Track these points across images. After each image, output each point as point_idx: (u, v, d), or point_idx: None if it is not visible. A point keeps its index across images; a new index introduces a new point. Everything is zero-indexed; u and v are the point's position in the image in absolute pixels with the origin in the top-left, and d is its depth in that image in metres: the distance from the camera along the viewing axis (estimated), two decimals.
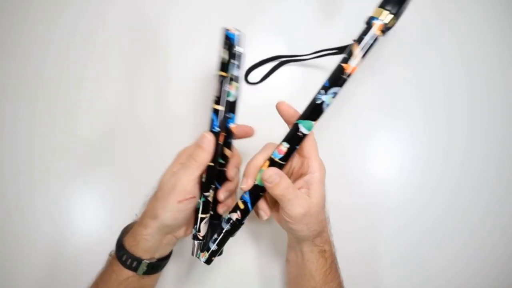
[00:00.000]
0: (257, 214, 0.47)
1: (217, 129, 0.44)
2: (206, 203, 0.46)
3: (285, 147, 0.43)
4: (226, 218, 0.46)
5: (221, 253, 0.48)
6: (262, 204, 0.47)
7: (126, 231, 0.47)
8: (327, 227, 0.48)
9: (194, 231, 0.47)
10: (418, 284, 0.59)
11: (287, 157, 0.43)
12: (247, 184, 0.45)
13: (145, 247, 0.45)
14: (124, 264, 0.45)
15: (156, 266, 0.46)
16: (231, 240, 0.47)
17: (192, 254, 0.47)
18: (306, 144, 0.45)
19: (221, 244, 0.46)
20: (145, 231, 0.44)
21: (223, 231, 0.46)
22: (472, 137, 0.65)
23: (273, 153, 0.44)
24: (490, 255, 0.61)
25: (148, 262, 0.45)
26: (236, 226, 0.46)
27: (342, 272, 0.50)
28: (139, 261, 0.45)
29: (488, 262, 0.61)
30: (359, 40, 0.39)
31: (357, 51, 0.39)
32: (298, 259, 0.49)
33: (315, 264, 0.47)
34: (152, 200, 0.45)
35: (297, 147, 0.43)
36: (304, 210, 0.43)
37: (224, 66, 0.43)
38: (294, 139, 0.43)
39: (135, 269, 0.45)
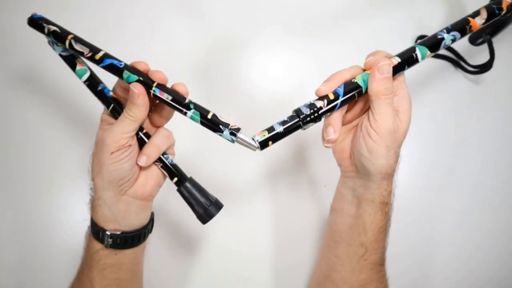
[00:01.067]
0: (324, 132, 0.42)
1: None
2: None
3: (396, 60, 0.41)
4: (309, 103, 0.41)
5: (277, 138, 0.40)
6: (335, 119, 0.41)
7: None
8: (395, 175, 0.44)
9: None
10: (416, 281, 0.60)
11: (397, 70, 0.41)
12: (326, 88, 0.40)
13: (102, 215, 0.42)
14: (92, 232, 0.43)
15: (124, 239, 0.42)
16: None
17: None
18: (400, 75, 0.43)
19: (288, 130, 0.40)
20: (95, 195, 0.42)
21: (300, 116, 0.40)
22: (476, 137, 0.66)
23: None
24: (490, 254, 0.61)
25: (111, 233, 0.42)
26: (315, 115, 0.40)
27: None
28: (103, 231, 0.42)
29: (488, 260, 0.61)
30: (487, 7, 0.43)
31: (484, 14, 0.43)
32: (352, 208, 0.45)
33: (372, 217, 0.43)
34: (91, 160, 0.42)
35: (406, 67, 0.42)
36: (394, 126, 0.40)
37: None
38: (407, 59, 0.42)
39: (101, 240, 0.42)
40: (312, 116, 0.40)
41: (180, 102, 0.40)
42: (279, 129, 0.39)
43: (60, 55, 0.43)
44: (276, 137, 0.39)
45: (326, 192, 0.61)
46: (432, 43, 0.42)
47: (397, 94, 0.42)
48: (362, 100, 0.44)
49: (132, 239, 0.43)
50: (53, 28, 0.42)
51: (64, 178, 0.61)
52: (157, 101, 0.42)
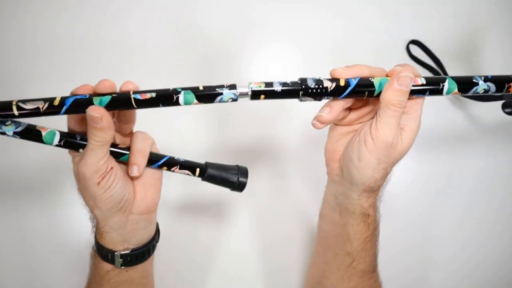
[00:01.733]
0: (319, 111, 0.39)
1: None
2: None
3: (421, 81, 0.39)
4: (317, 78, 0.38)
5: (271, 95, 0.37)
6: (336, 104, 0.39)
7: None
8: (381, 191, 0.42)
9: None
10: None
11: (415, 91, 0.39)
12: (342, 72, 0.38)
13: (110, 239, 0.41)
14: (100, 255, 0.41)
15: (135, 256, 0.42)
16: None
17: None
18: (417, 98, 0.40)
19: (285, 93, 0.37)
20: (99, 224, 0.40)
21: (303, 85, 0.37)
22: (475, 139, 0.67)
23: None
24: (489, 254, 0.62)
25: (121, 253, 0.41)
26: (317, 92, 0.37)
27: None
28: (112, 253, 0.41)
29: (488, 261, 0.62)
30: None
31: None
32: (336, 215, 0.43)
33: (355, 228, 0.42)
34: (81, 196, 0.40)
35: (428, 94, 0.39)
36: (393, 141, 0.38)
37: None
38: (433, 84, 0.39)
39: (112, 262, 0.41)
40: (315, 91, 0.37)
41: (167, 92, 0.36)
42: (277, 87, 0.37)
43: (16, 133, 0.37)
44: (271, 94, 0.37)
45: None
46: (464, 83, 0.40)
47: (409, 113, 0.40)
48: (372, 105, 0.41)
49: (143, 254, 0.43)
50: None
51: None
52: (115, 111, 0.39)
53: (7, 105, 0.35)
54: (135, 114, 0.40)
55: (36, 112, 0.36)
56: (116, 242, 0.41)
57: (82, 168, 0.37)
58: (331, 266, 0.45)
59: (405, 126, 0.39)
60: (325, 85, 0.37)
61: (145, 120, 0.42)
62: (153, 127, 0.42)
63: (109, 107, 0.36)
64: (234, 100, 0.36)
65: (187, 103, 0.36)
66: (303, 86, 0.37)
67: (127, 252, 0.41)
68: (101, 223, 0.40)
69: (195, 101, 0.36)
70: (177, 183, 0.59)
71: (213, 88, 0.36)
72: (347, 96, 0.38)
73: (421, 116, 0.40)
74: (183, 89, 0.36)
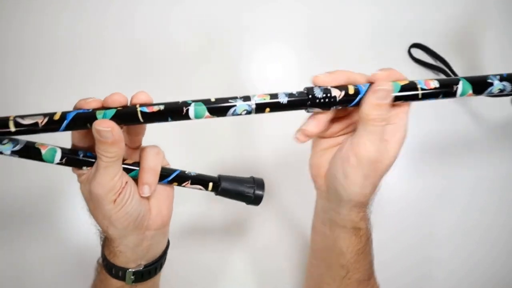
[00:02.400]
0: (305, 123, 0.38)
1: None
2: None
3: (434, 84, 0.36)
4: (323, 87, 0.35)
5: (276, 108, 0.35)
6: (324, 116, 0.37)
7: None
8: (370, 203, 0.41)
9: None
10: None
11: (428, 95, 0.36)
12: (326, 79, 0.35)
13: (124, 258, 0.39)
14: (109, 273, 0.39)
15: (148, 272, 0.40)
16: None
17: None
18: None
19: (291, 105, 0.35)
20: (113, 244, 0.38)
21: (309, 95, 0.35)
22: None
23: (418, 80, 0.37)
24: (488, 254, 0.62)
25: (134, 271, 0.39)
26: (326, 102, 0.35)
27: None
28: (124, 270, 0.39)
29: (487, 261, 0.62)
30: None
31: None
32: (327, 229, 0.42)
33: (347, 241, 0.40)
34: (93, 217, 0.38)
35: (440, 97, 0.37)
36: (375, 154, 0.35)
37: None
38: (446, 86, 0.37)
39: (122, 279, 0.39)
40: (323, 101, 0.35)
41: (176, 104, 0.34)
42: (283, 99, 0.35)
43: (14, 153, 0.34)
44: (276, 106, 0.35)
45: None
46: (479, 83, 0.38)
47: (393, 122, 0.37)
48: (355, 115, 0.39)
49: (155, 269, 0.41)
50: None
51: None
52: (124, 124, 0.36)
53: (3, 121, 0.33)
54: (145, 126, 0.38)
55: (34, 129, 0.33)
56: (129, 260, 0.39)
57: (95, 188, 0.34)
58: (326, 278, 0.44)
59: (390, 137, 0.37)
60: (333, 94, 0.35)
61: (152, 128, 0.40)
62: (160, 134, 0.41)
63: (116, 117, 0.33)
64: (249, 112, 0.34)
65: (197, 116, 0.34)
66: (310, 96, 0.35)
67: (139, 269, 0.39)
68: (115, 242, 0.38)
69: (207, 114, 0.34)
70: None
71: (226, 100, 0.34)
72: (357, 105, 0.36)
73: (407, 124, 0.38)
74: (193, 101, 0.34)
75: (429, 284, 0.60)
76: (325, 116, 0.37)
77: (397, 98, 0.36)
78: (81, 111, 0.33)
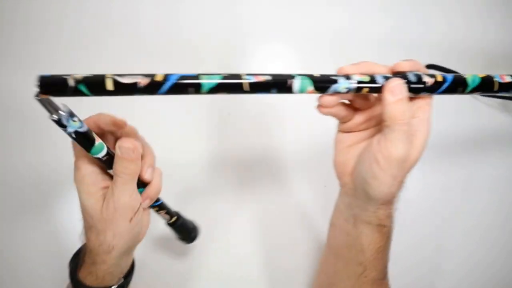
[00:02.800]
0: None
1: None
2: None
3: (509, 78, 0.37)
4: (416, 73, 0.36)
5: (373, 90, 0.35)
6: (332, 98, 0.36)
7: (78, 262, 0.39)
8: (396, 200, 0.40)
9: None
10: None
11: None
12: (350, 69, 0.35)
13: (111, 278, 0.39)
14: None
15: (125, 284, 0.41)
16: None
17: None
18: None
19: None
20: (104, 266, 0.38)
21: (406, 78, 0.35)
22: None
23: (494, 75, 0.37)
24: (489, 253, 0.63)
25: (116, 286, 0.40)
26: (416, 87, 0.36)
27: None
28: None
29: (487, 260, 0.63)
30: None
31: None
32: (349, 226, 0.42)
33: (369, 237, 0.40)
34: (93, 235, 0.37)
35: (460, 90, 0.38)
36: (405, 154, 0.35)
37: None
38: (457, 80, 0.37)
39: None
40: (415, 86, 0.36)
41: (281, 77, 0.33)
42: (380, 80, 0.35)
43: (75, 133, 0.32)
44: (374, 87, 0.35)
45: (327, 192, 0.61)
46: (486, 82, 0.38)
47: (417, 116, 0.37)
48: (378, 108, 0.39)
49: (130, 279, 0.43)
50: (79, 76, 0.30)
51: None
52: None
53: (99, 79, 0.30)
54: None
55: (132, 88, 0.30)
56: (115, 278, 0.40)
57: (117, 205, 0.35)
58: (342, 275, 0.44)
59: (415, 131, 0.37)
60: (424, 80, 0.36)
61: (140, 121, 0.39)
62: (150, 130, 0.40)
63: (215, 90, 0.32)
64: (348, 90, 0.34)
65: (302, 90, 0.33)
66: (406, 80, 0.36)
67: (120, 282, 0.40)
68: (106, 265, 0.37)
69: (310, 88, 0.33)
70: None
71: (328, 76, 0.34)
72: (443, 92, 0.37)
73: (431, 117, 0.38)
74: (299, 74, 0.33)
75: (439, 277, 0.61)
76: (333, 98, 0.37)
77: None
78: (185, 74, 0.31)
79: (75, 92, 0.29)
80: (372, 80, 0.35)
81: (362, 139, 0.41)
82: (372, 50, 0.67)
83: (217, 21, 0.68)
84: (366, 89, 0.35)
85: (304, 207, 0.61)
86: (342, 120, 0.40)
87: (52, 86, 0.29)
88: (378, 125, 0.39)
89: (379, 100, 0.37)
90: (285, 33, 0.69)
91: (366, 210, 0.39)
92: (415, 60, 0.37)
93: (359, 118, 0.40)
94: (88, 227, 0.37)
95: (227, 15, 0.68)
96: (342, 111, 0.39)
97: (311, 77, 0.34)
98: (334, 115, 0.39)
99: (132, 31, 0.65)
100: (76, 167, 0.36)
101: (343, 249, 0.43)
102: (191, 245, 0.52)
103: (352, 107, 0.39)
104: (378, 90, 0.35)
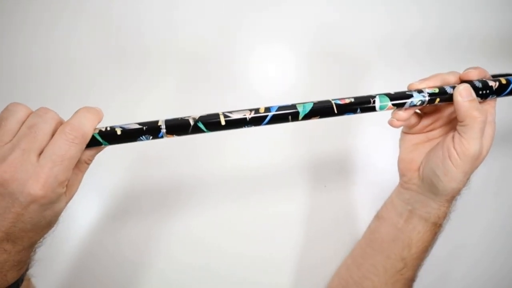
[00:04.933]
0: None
1: None
2: None
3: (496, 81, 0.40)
4: (480, 80, 0.40)
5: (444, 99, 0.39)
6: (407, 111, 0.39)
7: None
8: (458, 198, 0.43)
9: None
10: None
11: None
12: (421, 85, 0.39)
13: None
14: None
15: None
16: None
17: None
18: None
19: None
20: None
21: (473, 85, 0.39)
22: None
23: None
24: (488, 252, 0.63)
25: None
26: (483, 92, 0.39)
27: None
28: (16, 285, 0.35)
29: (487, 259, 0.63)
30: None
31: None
32: (401, 221, 0.44)
33: (420, 235, 0.42)
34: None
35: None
36: (478, 150, 0.38)
37: None
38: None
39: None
40: (481, 92, 0.39)
41: (363, 98, 0.38)
42: (449, 90, 0.39)
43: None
44: (445, 97, 0.39)
45: (326, 192, 0.61)
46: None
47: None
48: (442, 111, 0.42)
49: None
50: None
51: None
52: None
53: (214, 117, 0.35)
54: None
55: (242, 120, 0.35)
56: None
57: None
58: (379, 269, 0.45)
59: (484, 133, 0.39)
60: (490, 84, 0.40)
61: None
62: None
63: (312, 113, 0.36)
64: (423, 103, 0.38)
65: (382, 107, 0.38)
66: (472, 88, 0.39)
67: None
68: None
69: (389, 104, 0.38)
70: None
71: (404, 92, 0.38)
72: (509, 94, 0.41)
73: (495, 118, 0.41)
74: (377, 94, 0.38)
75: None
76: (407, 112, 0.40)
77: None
78: (283, 104, 0.36)
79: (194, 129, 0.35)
80: (442, 91, 0.39)
81: (428, 139, 0.44)
82: (371, 48, 0.66)
83: (216, 24, 0.66)
84: (438, 100, 0.39)
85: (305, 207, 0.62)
86: (411, 125, 0.43)
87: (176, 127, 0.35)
88: (444, 126, 0.43)
89: (444, 105, 0.41)
90: (286, 35, 0.67)
91: (428, 205, 0.42)
92: (481, 68, 0.41)
93: (426, 121, 0.43)
94: None
95: (225, 17, 0.66)
96: (413, 119, 0.43)
97: (388, 94, 0.38)
98: (406, 125, 0.43)
99: (131, 32, 0.64)
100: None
101: (388, 243, 0.44)
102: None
103: (419, 115, 0.43)
104: (450, 99, 0.39)
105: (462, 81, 0.40)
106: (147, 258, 0.57)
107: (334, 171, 0.53)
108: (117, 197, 0.57)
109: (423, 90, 0.39)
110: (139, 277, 0.56)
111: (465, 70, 0.40)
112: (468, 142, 0.38)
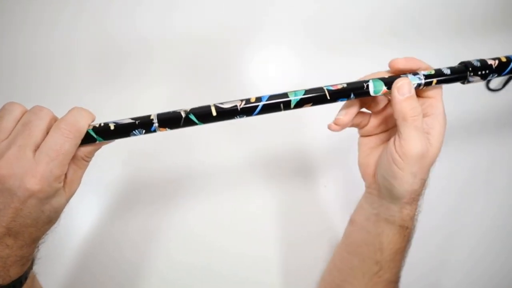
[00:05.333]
0: (337, 117, 0.40)
1: None
2: None
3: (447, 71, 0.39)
4: (478, 59, 0.39)
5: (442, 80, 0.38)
6: (352, 107, 0.39)
7: None
8: (420, 200, 0.41)
9: None
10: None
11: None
12: (402, 62, 0.38)
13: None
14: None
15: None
16: None
17: None
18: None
19: (453, 77, 0.38)
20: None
21: (469, 67, 0.38)
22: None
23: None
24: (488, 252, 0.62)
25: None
26: (483, 72, 0.38)
27: None
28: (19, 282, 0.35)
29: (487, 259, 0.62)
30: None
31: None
32: (370, 224, 0.43)
33: (389, 238, 0.41)
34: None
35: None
36: (422, 151, 0.36)
37: None
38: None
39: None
40: (480, 72, 0.38)
41: (356, 83, 0.37)
42: (446, 71, 0.38)
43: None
44: (442, 78, 0.38)
45: (326, 192, 0.61)
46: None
47: (429, 114, 0.39)
48: (391, 110, 0.40)
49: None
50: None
51: None
52: None
53: (205, 109, 0.35)
54: None
55: (233, 110, 0.36)
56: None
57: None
58: (356, 272, 0.44)
59: (430, 129, 0.38)
60: (489, 63, 0.39)
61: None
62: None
63: (303, 101, 0.36)
64: (419, 85, 0.37)
65: (376, 91, 0.37)
66: (470, 68, 0.39)
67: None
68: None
69: (384, 88, 0.37)
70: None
71: (398, 76, 0.38)
72: (509, 73, 0.39)
73: (444, 111, 0.39)
74: (372, 79, 0.37)
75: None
76: (353, 108, 0.40)
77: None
78: (274, 93, 0.36)
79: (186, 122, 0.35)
80: (439, 73, 0.38)
81: (382, 141, 0.43)
82: (354, 33, 0.66)
83: (215, 24, 0.67)
84: (435, 81, 0.38)
85: (304, 207, 0.61)
86: (360, 126, 0.43)
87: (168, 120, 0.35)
88: (394, 126, 0.40)
89: (390, 102, 0.40)
90: (284, 32, 0.67)
91: (390, 209, 0.40)
92: (413, 58, 0.39)
93: (374, 121, 0.42)
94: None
95: (224, 18, 0.67)
96: (358, 119, 0.42)
97: (382, 79, 0.37)
98: (357, 127, 0.43)
99: (130, 36, 0.65)
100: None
101: (361, 246, 0.44)
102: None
103: (367, 114, 0.42)
104: (448, 81, 0.38)
105: (460, 62, 0.39)
106: (145, 256, 0.58)
107: (334, 171, 0.52)
108: (114, 194, 0.58)
109: (418, 72, 0.38)
110: (136, 274, 0.57)
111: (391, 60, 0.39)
112: (406, 142, 0.36)
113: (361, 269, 0.43)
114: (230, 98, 0.36)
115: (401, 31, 0.66)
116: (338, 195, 0.61)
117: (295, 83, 0.61)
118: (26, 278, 0.36)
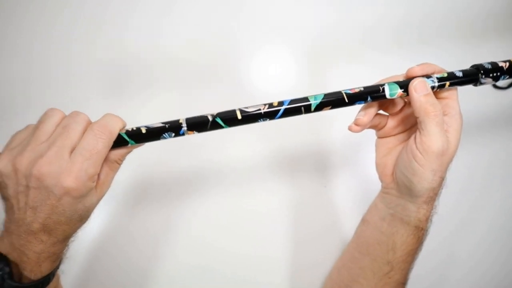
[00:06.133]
0: (356, 118, 0.41)
1: None
2: None
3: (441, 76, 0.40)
4: (490, 62, 0.40)
5: (454, 82, 0.39)
6: (371, 108, 0.41)
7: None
8: (436, 201, 0.42)
9: None
10: None
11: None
12: (416, 70, 0.39)
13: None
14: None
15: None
16: None
17: None
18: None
19: (465, 80, 0.40)
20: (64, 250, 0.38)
21: (481, 70, 0.40)
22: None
23: None
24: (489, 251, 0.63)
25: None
26: (494, 75, 0.40)
27: None
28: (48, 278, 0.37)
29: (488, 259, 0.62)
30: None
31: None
32: (384, 224, 0.43)
33: (403, 238, 0.42)
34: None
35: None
36: (443, 147, 0.37)
37: None
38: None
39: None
40: (491, 74, 0.40)
41: (373, 86, 0.39)
42: (459, 74, 0.40)
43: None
44: (455, 80, 0.39)
45: (326, 192, 0.62)
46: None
47: (447, 113, 0.40)
48: (408, 111, 0.43)
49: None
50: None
51: None
52: None
53: (230, 113, 0.37)
54: None
55: (257, 114, 0.37)
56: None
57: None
58: (367, 272, 0.45)
59: (448, 127, 0.39)
60: (500, 65, 0.41)
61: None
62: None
63: (323, 104, 0.38)
64: (433, 88, 0.39)
65: (392, 94, 0.39)
66: (482, 71, 0.40)
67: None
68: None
69: (399, 91, 0.39)
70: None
71: (411, 79, 0.39)
72: None
73: (460, 111, 0.40)
74: (387, 83, 0.39)
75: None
76: (372, 109, 0.41)
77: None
78: (295, 98, 0.38)
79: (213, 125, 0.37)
80: (452, 76, 0.40)
81: (399, 142, 0.44)
82: (362, 40, 0.67)
83: (214, 26, 0.67)
84: (448, 83, 0.40)
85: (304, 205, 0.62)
86: (378, 127, 0.44)
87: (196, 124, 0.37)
88: (412, 127, 0.43)
89: (408, 103, 0.41)
90: (283, 35, 0.68)
91: (407, 209, 0.41)
92: (428, 63, 0.41)
93: (392, 122, 0.43)
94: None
95: (223, 19, 0.67)
96: (377, 120, 0.43)
97: (397, 82, 0.39)
98: (374, 129, 0.44)
99: (128, 43, 0.65)
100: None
101: (373, 246, 0.44)
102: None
103: (385, 116, 0.44)
104: (461, 83, 0.40)
105: (472, 65, 0.41)
106: (152, 257, 0.59)
107: (334, 170, 0.52)
108: (120, 195, 0.59)
109: (431, 75, 0.40)
110: (143, 276, 0.58)
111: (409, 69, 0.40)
112: (428, 138, 0.37)
113: (372, 269, 0.44)
114: (234, 103, 0.38)
115: (403, 37, 0.67)
116: (346, 196, 0.61)
117: (299, 90, 0.62)
118: (53, 276, 0.38)
